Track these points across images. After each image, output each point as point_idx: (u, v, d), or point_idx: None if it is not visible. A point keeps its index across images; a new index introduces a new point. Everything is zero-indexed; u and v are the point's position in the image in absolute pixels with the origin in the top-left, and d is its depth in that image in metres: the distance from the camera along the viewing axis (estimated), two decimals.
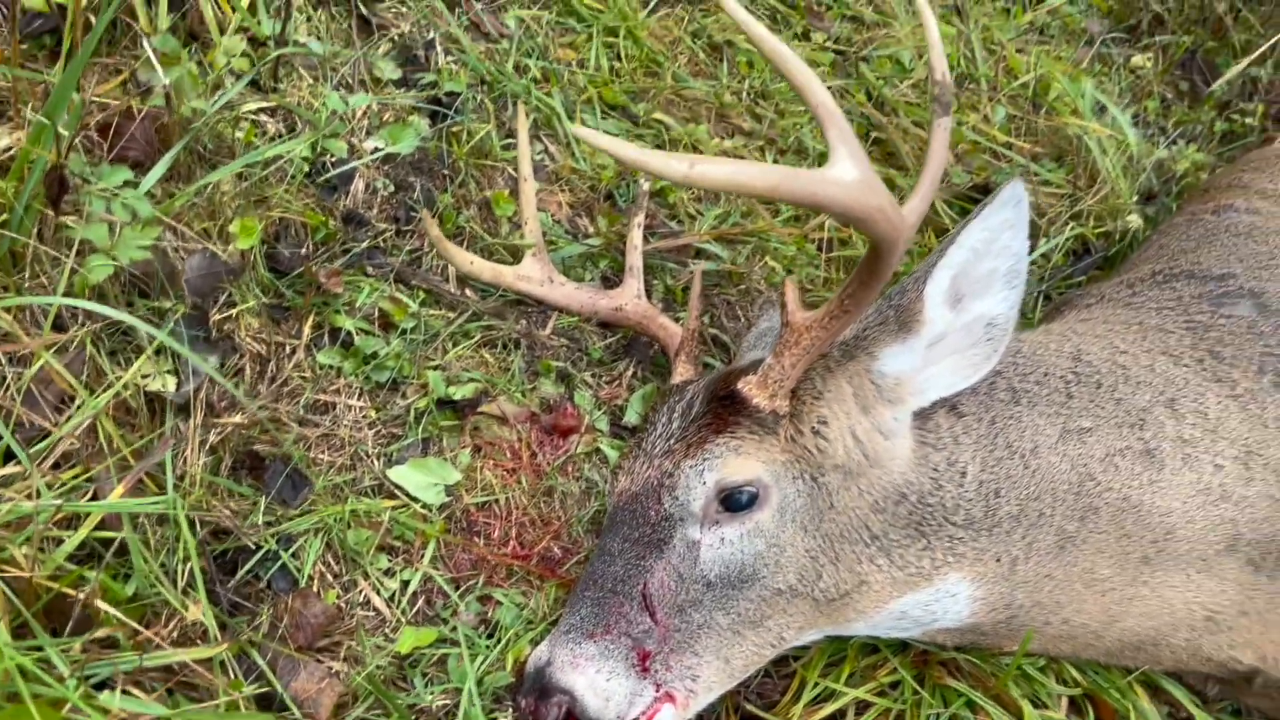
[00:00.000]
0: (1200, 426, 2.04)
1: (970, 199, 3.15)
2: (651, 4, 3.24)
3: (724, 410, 1.92)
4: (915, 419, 1.95)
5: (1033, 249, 3.09)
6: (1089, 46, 3.96)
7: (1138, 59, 3.94)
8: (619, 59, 3.05)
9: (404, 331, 2.22)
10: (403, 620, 1.90)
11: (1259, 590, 2.06)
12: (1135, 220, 3.22)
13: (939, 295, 1.85)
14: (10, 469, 1.73)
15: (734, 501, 1.84)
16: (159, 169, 1.97)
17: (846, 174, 1.63)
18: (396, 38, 2.69)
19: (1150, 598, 2.03)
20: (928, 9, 1.96)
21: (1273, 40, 3.90)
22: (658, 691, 1.79)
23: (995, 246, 1.84)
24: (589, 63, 2.97)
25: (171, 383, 1.85)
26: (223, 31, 2.35)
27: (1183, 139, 3.69)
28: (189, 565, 1.73)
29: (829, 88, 3.30)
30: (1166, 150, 3.52)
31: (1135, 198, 3.32)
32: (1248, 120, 3.81)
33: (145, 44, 1.98)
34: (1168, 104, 3.90)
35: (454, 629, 1.91)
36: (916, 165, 3.17)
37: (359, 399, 2.12)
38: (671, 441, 1.93)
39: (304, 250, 2.19)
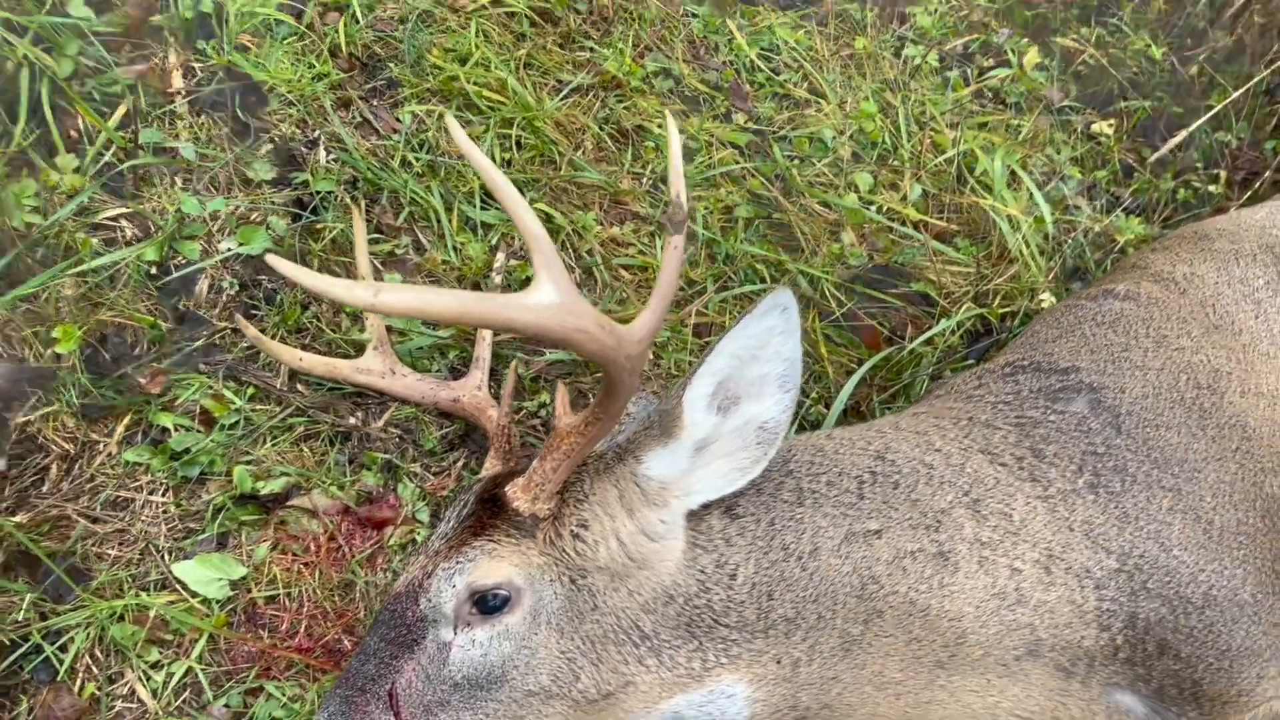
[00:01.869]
0: (1002, 529, 2.00)
1: (871, 281, 3.12)
2: (564, 91, 3.32)
3: (485, 513, 1.96)
4: (689, 520, 1.96)
5: (926, 329, 3.05)
6: (1048, 115, 3.90)
7: (1099, 125, 3.86)
8: (516, 148, 3.12)
9: (224, 427, 2.31)
10: (162, 713, 1.97)
11: (1070, 696, 2.00)
12: (1049, 299, 3.15)
13: (700, 401, 1.89)
14: None
15: (487, 604, 1.87)
16: None
17: (545, 298, 1.67)
18: (276, 139, 2.82)
19: (949, 702, 1.99)
20: (675, 133, 2.00)
21: (1225, 102, 3.79)
22: None
23: (765, 352, 1.88)
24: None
25: None
26: (92, 141, 2.52)
27: (1127, 211, 3.58)
28: None
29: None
30: (1099, 223, 3.43)
31: (1051, 275, 3.24)
32: (1210, 188, 3.69)
33: None
34: (1129, 169, 3.80)
35: None
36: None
37: (162, 495, 2.21)
38: (441, 542, 1.99)
39: (137, 351, 2.31)
